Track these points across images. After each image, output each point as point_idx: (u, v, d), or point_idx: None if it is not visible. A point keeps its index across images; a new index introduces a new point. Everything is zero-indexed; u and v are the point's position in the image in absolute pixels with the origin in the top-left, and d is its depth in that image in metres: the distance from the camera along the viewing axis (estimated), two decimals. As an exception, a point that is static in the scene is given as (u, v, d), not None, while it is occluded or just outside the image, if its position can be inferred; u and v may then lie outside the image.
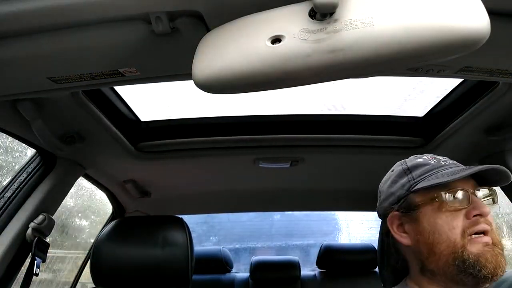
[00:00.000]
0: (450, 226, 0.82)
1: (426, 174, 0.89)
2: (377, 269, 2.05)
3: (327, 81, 0.63)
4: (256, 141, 1.53)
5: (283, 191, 2.05)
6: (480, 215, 0.82)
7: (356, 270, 2.49)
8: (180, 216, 1.37)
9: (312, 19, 0.57)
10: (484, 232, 0.82)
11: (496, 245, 0.81)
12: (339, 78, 0.65)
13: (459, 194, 0.84)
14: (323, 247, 2.57)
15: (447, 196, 0.84)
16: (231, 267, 2.72)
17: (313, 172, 1.77)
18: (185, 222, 1.33)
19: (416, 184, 0.88)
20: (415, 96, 1.46)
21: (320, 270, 2.64)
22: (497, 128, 1.29)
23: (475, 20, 0.52)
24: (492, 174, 0.86)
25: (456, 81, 1.28)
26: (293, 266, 2.55)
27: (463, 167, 0.88)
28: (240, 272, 2.77)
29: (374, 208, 1.00)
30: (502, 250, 0.82)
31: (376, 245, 1.09)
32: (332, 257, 2.53)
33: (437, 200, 0.85)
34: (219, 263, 2.62)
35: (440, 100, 1.40)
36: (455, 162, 0.92)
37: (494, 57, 0.85)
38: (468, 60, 0.85)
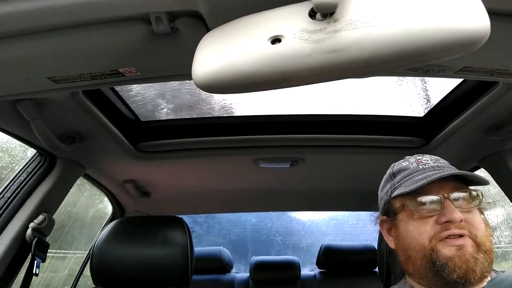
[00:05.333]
0: (419, 232, 0.82)
1: (403, 180, 0.88)
2: (377, 269, 2.06)
3: (327, 81, 0.62)
4: (256, 141, 1.53)
5: (283, 191, 2.05)
6: (450, 221, 0.79)
7: (356, 270, 2.49)
8: (180, 216, 1.37)
9: (312, 19, 0.56)
10: (460, 235, 0.79)
11: (479, 247, 0.78)
12: (339, 78, 0.64)
13: (428, 201, 0.82)
14: (323, 247, 2.57)
15: (413, 204, 0.83)
16: (231, 267, 2.72)
17: (313, 172, 1.77)
18: (185, 222, 1.33)
19: (394, 191, 0.88)
20: (415, 96, 1.45)
21: (320, 270, 2.64)
22: (497, 128, 1.29)
23: (475, 20, 0.52)
24: (470, 174, 0.85)
25: (456, 81, 1.28)
26: (293, 266, 2.55)
27: (438, 170, 0.85)
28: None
29: (374, 208, 1.00)
30: (486, 252, 0.78)
31: (376, 245, 1.09)
32: (332, 257, 2.53)
33: (406, 208, 0.85)
34: (219, 263, 2.62)
35: (440, 100, 1.40)
36: (439, 164, 0.89)
37: (494, 57, 0.84)
38: (468, 60, 0.85)
